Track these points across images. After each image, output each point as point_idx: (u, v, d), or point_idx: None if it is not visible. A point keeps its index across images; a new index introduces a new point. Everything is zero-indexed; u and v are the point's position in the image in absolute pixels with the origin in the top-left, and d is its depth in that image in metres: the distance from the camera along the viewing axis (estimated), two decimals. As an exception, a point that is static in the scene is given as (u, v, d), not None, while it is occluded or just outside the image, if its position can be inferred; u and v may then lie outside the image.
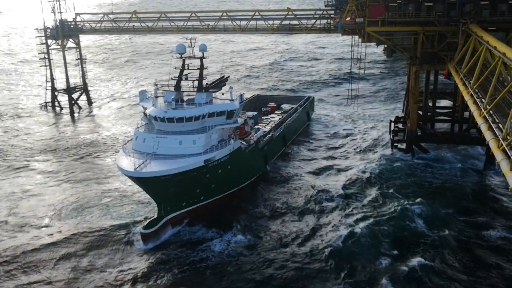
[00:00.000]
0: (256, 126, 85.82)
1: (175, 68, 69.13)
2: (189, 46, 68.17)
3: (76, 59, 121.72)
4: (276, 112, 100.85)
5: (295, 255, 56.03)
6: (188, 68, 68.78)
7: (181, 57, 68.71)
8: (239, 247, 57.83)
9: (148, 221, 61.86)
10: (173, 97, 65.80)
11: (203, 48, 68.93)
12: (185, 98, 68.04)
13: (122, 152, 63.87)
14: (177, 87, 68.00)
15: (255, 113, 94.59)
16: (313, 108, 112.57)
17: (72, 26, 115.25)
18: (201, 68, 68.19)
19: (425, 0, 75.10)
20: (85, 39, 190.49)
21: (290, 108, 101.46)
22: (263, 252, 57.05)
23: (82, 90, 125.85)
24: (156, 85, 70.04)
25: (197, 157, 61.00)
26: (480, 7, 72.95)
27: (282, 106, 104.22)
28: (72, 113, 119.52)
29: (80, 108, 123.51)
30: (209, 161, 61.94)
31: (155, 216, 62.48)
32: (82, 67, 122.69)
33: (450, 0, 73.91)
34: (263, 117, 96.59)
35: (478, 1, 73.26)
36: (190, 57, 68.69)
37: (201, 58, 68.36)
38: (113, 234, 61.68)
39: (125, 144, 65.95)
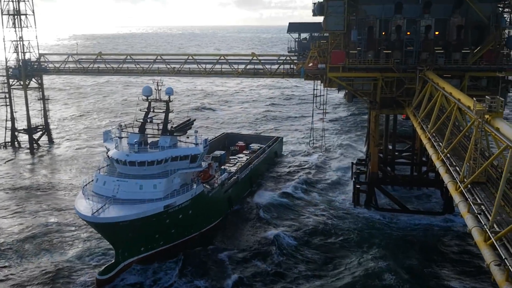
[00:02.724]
0: (223, 167, 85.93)
1: (140, 110, 68.83)
2: (155, 89, 68.03)
3: (39, 99, 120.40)
4: (244, 152, 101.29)
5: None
6: (153, 111, 68.45)
7: (147, 99, 68.40)
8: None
9: (104, 266, 59.86)
10: (136, 140, 64.95)
11: (169, 92, 68.62)
12: (149, 140, 67.52)
13: (81, 195, 62.35)
14: (142, 129, 67.45)
15: (223, 152, 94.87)
16: (282, 148, 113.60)
17: (35, 66, 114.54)
18: (167, 111, 67.77)
19: (383, 48, 78.27)
20: (49, 78, 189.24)
21: (258, 148, 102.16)
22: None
23: (43, 130, 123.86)
24: (120, 126, 69.40)
25: (157, 203, 59.90)
26: (436, 55, 76.30)
27: (250, 145, 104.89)
28: (32, 153, 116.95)
29: (39, 147, 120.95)
30: (169, 206, 60.93)
31: (112, 261, 60.53)
32: (44, 107, 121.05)
33: (407, 49, 77.37)
34: (230, 157, 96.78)
35: (434, 49, 76.81)
36: (156, 100, 68.40)
37: (167, 102, 68.11)
38: (61, 276, 59.63)
39: (85, 185, 64.52)
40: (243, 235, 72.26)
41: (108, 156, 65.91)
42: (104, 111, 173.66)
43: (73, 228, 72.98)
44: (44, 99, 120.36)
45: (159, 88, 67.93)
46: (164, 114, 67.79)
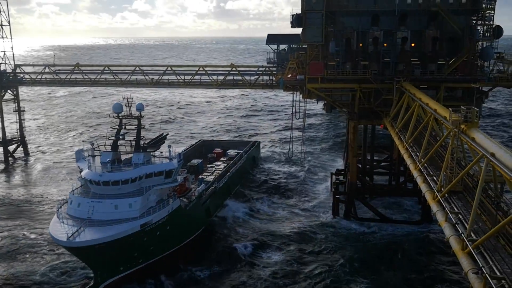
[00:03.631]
0: (200, 176, 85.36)
1: (112, 128, 67.44)
2: (126, 105, 66.54)
3: (14, 111, 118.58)
4: (222, 159, 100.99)
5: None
6: (125, 128, 67.19)
7: (118, 116, 66.96)
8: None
9: None
10: (108, 159, 63.68)
11: (140, 108, 67.49)
12: (123, 158, 66.08)
13: (56, 218, 60.51)
14: (114, 147, 66.04)
15: (200, 160, 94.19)
16: (259, 153, 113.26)
17: (11, 77, 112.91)
18: (139, 127, 66.46)
19: (361, 59, 79.17)
20: (24, 89, 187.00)
21: (236, 154, 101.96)
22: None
23: (19, 142, 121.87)
24: (92, 144, 67.50)
25: (133, 222, 58.75)
26: (412, 67, 77.54)
27: (228, 152, 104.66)
28: (7, 166, 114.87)
29: (15, 159, 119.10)
30: (146, 225, 59.85)
31: (91, 283, 59.04)
32: (20, 119, 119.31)
33: (384, 60, 78.42)
34: (208, 165, 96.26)
35: (410, 61, 78.06)
36: (127, 116, 67.09)
37: (139, 118, 66.83)
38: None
39: (60, 207, 62.80)
40: (222, 249, 71.53)
41: (81, 177, 64.49)
42: (79, 122, 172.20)
43: (44, 243, 71.37)
44: (19, 111, 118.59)
45: (130, 104, 66.60)
46: (136, 130, 66.64)
